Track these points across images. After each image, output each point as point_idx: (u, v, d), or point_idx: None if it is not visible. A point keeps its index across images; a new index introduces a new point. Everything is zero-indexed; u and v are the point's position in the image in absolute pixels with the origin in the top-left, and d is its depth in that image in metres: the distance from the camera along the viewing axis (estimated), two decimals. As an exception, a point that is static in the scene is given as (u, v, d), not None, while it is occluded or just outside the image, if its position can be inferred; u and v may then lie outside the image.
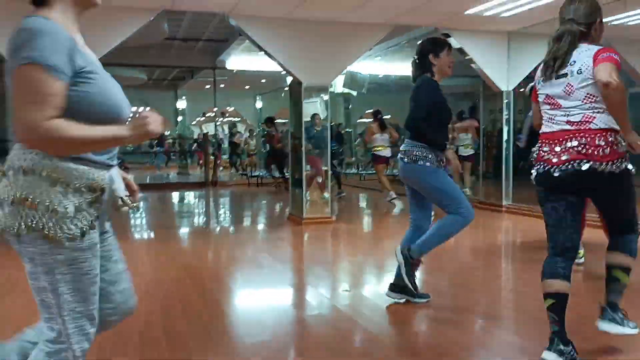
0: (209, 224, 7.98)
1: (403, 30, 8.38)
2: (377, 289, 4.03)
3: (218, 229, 7.41)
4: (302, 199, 6.93)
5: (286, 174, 10.77)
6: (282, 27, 6.71)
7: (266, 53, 6.92)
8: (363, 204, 10.35)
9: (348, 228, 6.94)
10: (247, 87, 19.83)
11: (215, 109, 16.84)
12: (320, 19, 6.71)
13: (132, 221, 7.57)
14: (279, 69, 14.13)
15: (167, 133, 23.37)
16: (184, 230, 7.32)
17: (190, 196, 11.83)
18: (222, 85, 18.11)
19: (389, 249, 4.33)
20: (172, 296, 3.79)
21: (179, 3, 6.21)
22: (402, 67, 14.54)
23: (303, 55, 6.84)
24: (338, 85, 14.13)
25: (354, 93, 15.61)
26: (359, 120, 19.84)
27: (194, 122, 22.02)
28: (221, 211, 9.53)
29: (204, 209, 9.89)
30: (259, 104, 21.33)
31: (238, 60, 13.46)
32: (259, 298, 3.92)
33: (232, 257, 5.40)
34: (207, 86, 18.81)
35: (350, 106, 19.30)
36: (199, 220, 8.53)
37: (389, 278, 3.61)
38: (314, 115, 7.08)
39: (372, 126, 9.09)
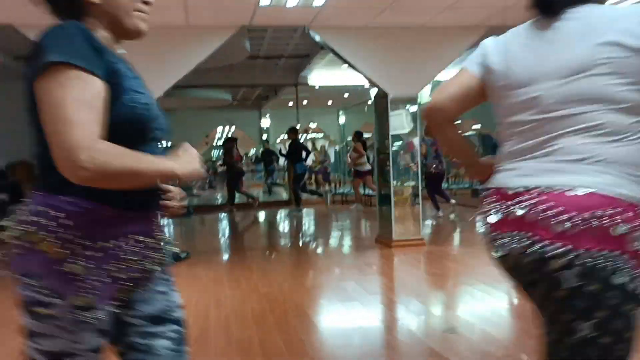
0: (293, 246, 7.67)
1: (496, 32, 7.70)
2: (487, 329, 3.44)
3: (302, 252, 7.06)
4: (391, 219, 6.43)
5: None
6: (365, 36, 6.32)
7: (350, 65, 6.56)
8: (451, 223, 9.65)
9: (442, 251, 6.32)
10: (329, 102, 19.64)
11: (298, 126, 16.80)
12: (406, 25, 6.25)
13: (214, 243, 7.42)
14: (362, 82, 14.00)
15: (251, 152, 23.77)
16: (267, 253, 7.05)
17: (275, 216, 11.65)
18: (305, 102, 18.10)
19: (498, 278, 3.74)
20: (252, 334, 3.44)
21: (258, 19, 5.99)
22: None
23: (389, 65, 6.39)
24: (425, 94, 13.57)
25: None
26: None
27: (278, 141, 22.16)
28: (305, 232, 9.21)
29: (288, 230, 9.61)
30: (342, 120, 21.10)
31: (320, 75, 13.28)
32: (345, 338, 3.47)
33: (316, 285, 5.01)
34: (290, 103, 18.89)
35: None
36: (283, 241, 8.26)
37: (504, 317, 3.03)
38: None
39: (358, 145, 11.02)
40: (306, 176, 12.28)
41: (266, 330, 3.49)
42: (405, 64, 6.40)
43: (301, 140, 12.97)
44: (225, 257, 6.80)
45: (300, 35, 10.06)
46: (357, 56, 6.46)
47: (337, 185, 15.83)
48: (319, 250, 7.07)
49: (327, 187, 17.12)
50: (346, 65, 12.03)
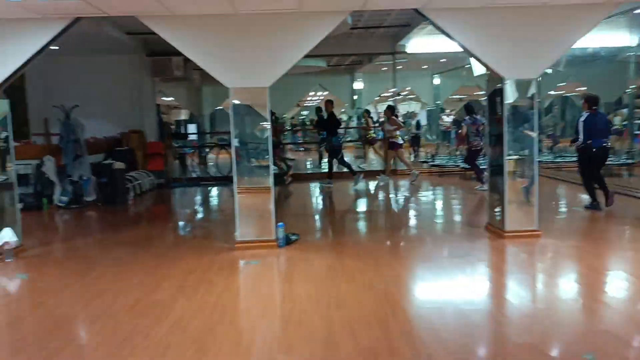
0: (394, 229, 7.67)
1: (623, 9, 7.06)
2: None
3: (404, 237, 7.04)
4: (504, 206, 6.23)
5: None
6: (480, 18, 6.01)
7: (464, 48, 6.28)
8: (563, 207, 9.19)
9: (562, 246, 6.01)
10: (424, 67, 19.10)
11: (392, 90, 16.54)
12: (525, 4, 5.87)
13: (309, 222, 7.55)
14: (457, 49, 13.47)
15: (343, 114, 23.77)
16: (370, 237, 7.11)
17: (369, 188, 11.66)
18: (399, 67, 17.73)
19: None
20: (379, 343, 3.51)
21: (370, 4, 5.86)
22: (604, 39, 12.74)
23: (505, 48, 6.08)
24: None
25: (549, 70, 14.04)
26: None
27: (369, 104, 21.98)
28: (405, 211, 9.16)
29: (385, 208, 9.58)
30: (436, 82, 20.52)
31: (419, 43, 12.93)
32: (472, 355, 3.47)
33: (434, 283, 5.00)
34: (384, 68, 18.58)
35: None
36: (382, 222, 8.29)
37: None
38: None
39: (393, 119, 11.50)
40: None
41: (392, 338, 3.55)
42: (523, 46, 6.06)
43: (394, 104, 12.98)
44: (328, 239, 6.91)
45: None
46: (470, 39, 6.18)
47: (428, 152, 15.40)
48: (423, 234, 7.01)
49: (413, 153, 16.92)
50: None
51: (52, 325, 4.00)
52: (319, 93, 23.99)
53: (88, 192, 10.03)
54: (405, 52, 13.36)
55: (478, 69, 13.96)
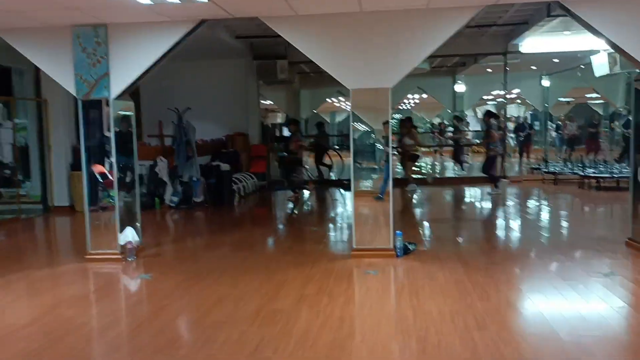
0: (519, 241, 7.09)
1: None
2: None
3: (534, 249, 6.45)
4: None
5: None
6: (626, 7, 5.37)
7: (607, 40, 5.64)
8: None
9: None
10: (533, 67, 17.98)
11: (502, 93, 15.73)
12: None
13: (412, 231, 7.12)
14: (576, 48, 12.50)
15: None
16: (492, 249, 6.60)
17: (483, 194, 11.03)
18: (507, 68, 16.83)
19: None
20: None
21: (504, -3, 5.40)
22: None
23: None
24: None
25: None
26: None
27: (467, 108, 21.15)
28: (528, 222, 8.50)
29: (504, 219, 8.97)
30: (545, 83, 19.26)
31: (534, 43, 12.10)
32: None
33: (578, 307, 4.46)
34: (489, 70, 17.72)
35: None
36: (502, 233, 7.73)
37: None
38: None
39: (414, 132, 11.93)
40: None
41: (552, 372, 3.12)
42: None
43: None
44: (447, 250, 6.48)
45: (522, 3, 9.12)
46: (613, 29, 5.52)
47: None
48: (554, 248, 6.39)
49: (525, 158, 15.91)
50: (568, 32, 10.89)
51: (177, 331, 3.93)
52: (417, 96, 23.36)
53: (197, 192, 10.25)
54: (519, 52, 12.57)
55: (600, 69, 12.90)
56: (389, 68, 5.70)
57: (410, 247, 6.02)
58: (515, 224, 8.17)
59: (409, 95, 23.46)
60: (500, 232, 7.75)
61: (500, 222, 8.38)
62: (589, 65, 14.58)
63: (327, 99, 21.52)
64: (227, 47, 11.27)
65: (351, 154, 5.94)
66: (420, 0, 5.29)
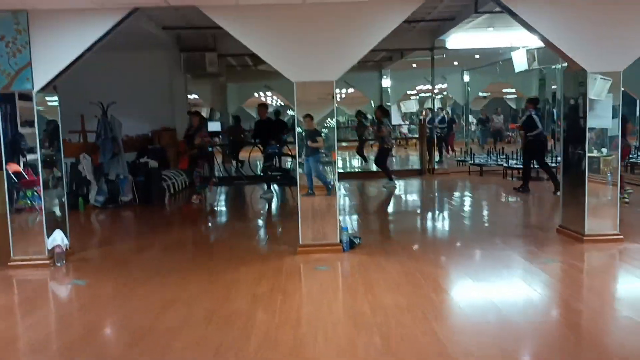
0: (456, 231, 7.29)
1: None
2: None
3: (472, 239, 6.65)
4: (584, 205, 5.81)
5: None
6: (565, 5, 5.62)
7: (540, 36, 5.87)
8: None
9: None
10: (455, 63, 18.66)
11: (424, 88, 16.18)
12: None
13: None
14: (499, 44, 13.10)
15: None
16: (435, 240, 6.73)
17: (414, 187, 11.28)
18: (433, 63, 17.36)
19: None
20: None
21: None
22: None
23: (588, 40, 5.67)
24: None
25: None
26: None
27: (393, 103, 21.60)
28: (460, 211, 8.77)
29: (440, 210, 9.20)
30: (466, 78, 20.05)
31: (460, 38, 12.50)
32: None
33: (533, 295, 4.61)
34: (414, 65, 18.19)
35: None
36: (439, 225, 7.92)
37: None
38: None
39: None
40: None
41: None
42: (608, 38, 5.64)
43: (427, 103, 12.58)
44: (391, 243, 6.52)
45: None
46: (549, 27, 5.77)
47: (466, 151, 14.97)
48: (492, 235, 6.61)
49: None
50: (491, 28, 11.32)
51: (132, 338, 3.67)
52: (344, 90, 23.53)
53: (125, 191, 9.74)
54: (445, 48, 12.95)
55: (520, 65, 13.56)
56: (333, 61, 5.64)
57: (356, 240, 6.01)
58: (450, 214, 8.40)
59: (337, 90, 23.62)
60: (437, 224, 7.93)
61: (434, 213, 8.58)
62: (508, 61, 15.32)
63: (255, 94, 21.18)
64: (152, 39, 10.75)
65: (296, 149, 5.82)
66: (364, -8, 5.26)
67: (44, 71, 5.57)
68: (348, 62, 5.69)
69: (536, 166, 10.17)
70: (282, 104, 28.40)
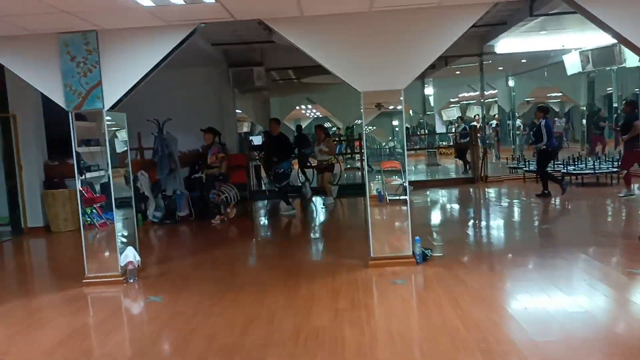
0: (529, 241, 7.02)
1: None
2: None
3: (543, 253, 6.38)
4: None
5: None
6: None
7: (613, 33, 5.61)
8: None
9: None
10: (500, 68, 18.29)
11: (467, 95, 15.87)
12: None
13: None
14: (550, 47, 12.77)
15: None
16: (511, 252, 6.49)
17: (472, 195, 11.01)
18: (472, 69, 17.04)
19: None
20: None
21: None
22: None
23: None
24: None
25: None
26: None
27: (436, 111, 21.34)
28: (527, 219, 8.48)
29: (505, 218, 8.92)
30: (510, 83, 19.64)
31: (510, 43, 12.23)
32: None
33: None
34: (457, 72, 17.91)
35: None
36: (509, 235, 7.66)
37: None
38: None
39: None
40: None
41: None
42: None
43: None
44: (465, 254, 6.32)
45: (504, 3, 9.17)
46: (627, 25, 5.52)
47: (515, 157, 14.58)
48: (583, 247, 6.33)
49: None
50: (544, 31, 11.01)
51: (222, 356, 3.60)
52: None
53: (181, 207, 9.81)
54: (494, 53, 12.68)
55: (573, 68, 13.18)
56: (400, 69, 5.52)
57: (428, 253, 5.84)
58: (518, 223, 8.13)
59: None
60: (507, 233, 7.67)
61: (500, 222, 8.31)
62: (556, 64, 14.93)
63: (297, 107, 21.26)
64: (202, 55, 10.88)
65: (365, 158, 5.71)
66: (432, -3, 5.14)
67: (113, 90, 5.63)
68: (416, 70, 5.57)
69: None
70: (320, 116, 28.48)
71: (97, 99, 5.61)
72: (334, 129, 26.74)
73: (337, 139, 20.38)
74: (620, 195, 9.15)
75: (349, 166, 17.04)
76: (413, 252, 5.62)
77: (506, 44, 12.27)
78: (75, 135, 5.67)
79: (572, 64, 12.89)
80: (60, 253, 8.18)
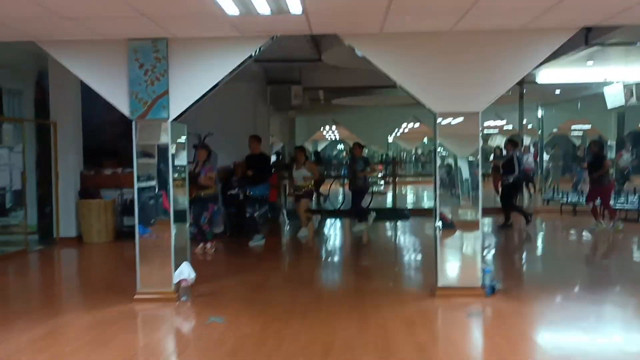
0: (596, 277, 6.73)
1: None
2: None
3: (614, 289, 6.08)
4: None
5: None
6: None
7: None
8: None
9: None
10: (532, 98, 18.11)
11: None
12: None
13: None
14: (592, 79, 12.59)
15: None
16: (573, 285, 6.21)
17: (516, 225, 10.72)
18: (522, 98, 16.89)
19: None
20: None
21: (611, 19, 5.10)
22: None
23: None
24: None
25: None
26: None
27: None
28: (577, 252, 8.19)
29: (557, 251, 8.62)
30: (539, 113, 19.42)
31: (552, 73, 12.04)
32: None
33: None
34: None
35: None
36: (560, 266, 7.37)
37: None
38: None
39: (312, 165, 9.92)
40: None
41: None
42: None
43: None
44: (528, 286, 6.03)
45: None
46: None
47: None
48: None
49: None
50: (590, 62, 10.85)
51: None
52: (411, 125, 23.18)
53: (217, 223, 9.57)
54: (534, 83, 12.50)
55: (614, 101, 12.96)
56: (479, 91, 5.33)
57: (496, 285, 5.55)
58: (571, 254, 7.84)
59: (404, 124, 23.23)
60: (565, 267, 7.37)
61: (553, 254, 8.01)
62: (591, 97, 14.72)
63: (322, 127, 21.14)
64: (246, 70, 10.70)
65: (437, 182, 5.47)
66: (519, 20, 4.96)
67: (180, 100, 5.46)
68: (495, 93, 5.37)
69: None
70: (339, 138, 28.34)
71: (162, 109, 5.44)
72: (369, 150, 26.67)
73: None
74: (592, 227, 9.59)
75: (375, 190, 16.77)
76: (483, 284, 5.34)
77: (548, 73, 12.08)
78: (136, 144, 5.49)
79: (614, 97, 12.67)
80: (100, 266, 7.95)
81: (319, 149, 27.05)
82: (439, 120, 5.42)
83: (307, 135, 20.41)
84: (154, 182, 5.60)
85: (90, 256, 8.36)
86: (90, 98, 9.45)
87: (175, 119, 5.52)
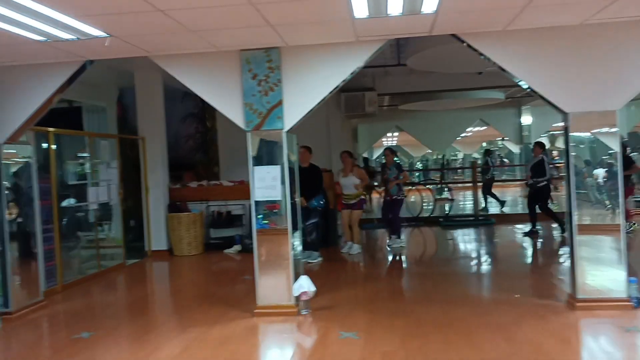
0: None
1: None
2: None
3: None
4: None
5: None
6: None
7: None
8: None
9: None
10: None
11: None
12: None
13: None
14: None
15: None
16: None
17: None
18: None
19: None
20: None
21: None
22: None
23: None
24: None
25: None
26: None
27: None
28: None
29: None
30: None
31: None
32: None
33: None
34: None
35: None
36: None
37: None
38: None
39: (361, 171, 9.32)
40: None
41: None
42: None
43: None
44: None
45: None
46: None
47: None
48: None
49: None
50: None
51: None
52: (477, 128, 22.58)
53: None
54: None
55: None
56: (615, 87, 4.97)
57: (640, 295, 5.14)
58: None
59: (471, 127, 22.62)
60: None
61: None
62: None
63: (385, 134, 20.82)
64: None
65: (572, 185, 5.11)
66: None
67: (294, 110, 5.33)
68: (633, 89, 4.99)
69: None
70: (396, 144, 27.87)
71: (277, 119, 5.32)
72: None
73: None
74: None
75: (438, 197, 16.30)
76: (630, 295, 4.95)
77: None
78: (253, 155, 5.39)
79: None
80: (201, 278, 7.92)
81: (374, 156, 26.66)
82: (570, 121, 5.08)
83: (370, 142, 20.11)
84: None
85: (187, 269, 8.36)
86: (165, 113, 9.61)
87: (290, 130, 5.40)
